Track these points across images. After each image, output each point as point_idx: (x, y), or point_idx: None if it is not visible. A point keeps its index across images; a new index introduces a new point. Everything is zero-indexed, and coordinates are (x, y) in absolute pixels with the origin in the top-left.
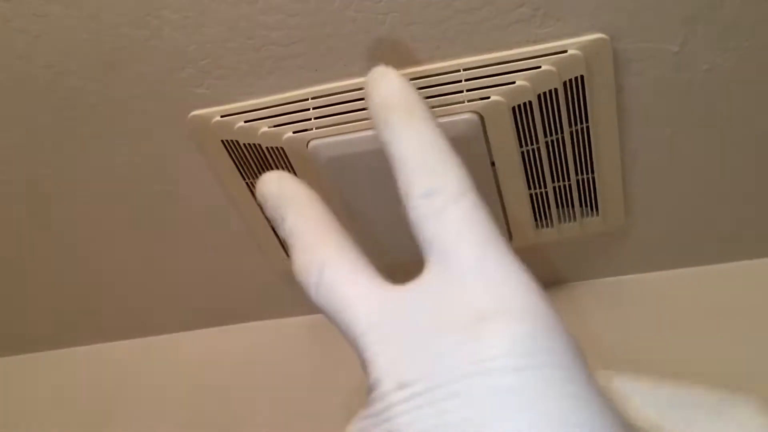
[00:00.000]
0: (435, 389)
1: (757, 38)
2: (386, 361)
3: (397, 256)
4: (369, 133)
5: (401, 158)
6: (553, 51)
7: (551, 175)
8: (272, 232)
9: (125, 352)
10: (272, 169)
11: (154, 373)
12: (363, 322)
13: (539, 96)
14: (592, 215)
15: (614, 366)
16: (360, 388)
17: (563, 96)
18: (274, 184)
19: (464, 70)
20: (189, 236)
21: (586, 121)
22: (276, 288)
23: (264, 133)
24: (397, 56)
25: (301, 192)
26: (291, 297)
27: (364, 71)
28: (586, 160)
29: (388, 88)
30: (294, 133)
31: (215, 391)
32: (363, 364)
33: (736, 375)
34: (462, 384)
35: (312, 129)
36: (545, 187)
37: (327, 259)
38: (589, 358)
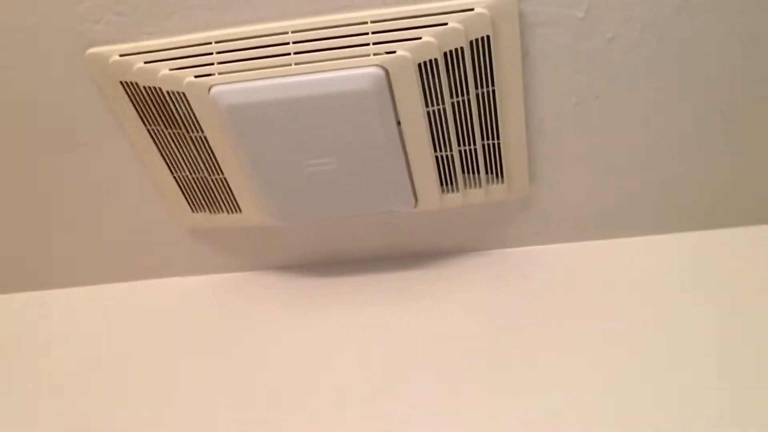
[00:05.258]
0: None
1: (661, 10)
2: None
3: (292, 214)
4: (273, 81)
5: None
6: (460, 8)
7: (457, 138)
8: (178, 186)
9: (19, 305)
10: (174, 115)
11: (50, 327)
12: None
13: (445, 54)
14: (497, 182)
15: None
16: (263, 351)
17: (469, 56)
18: None
19: (372, 22)
20: (88, 186)
21: (492, 85)
22: (181, 245)
23: (164, 75)
24: (304, 3)
25: None
26: (196, 255)
27: (271, 16)
28: (491, 125)
29: None
30: (196, 77)
31: (115, 347)
32: None
33: (634, 351)
34: None
35: (215, 74)
36: (451, 150)
37: None
38: (492, 327)
